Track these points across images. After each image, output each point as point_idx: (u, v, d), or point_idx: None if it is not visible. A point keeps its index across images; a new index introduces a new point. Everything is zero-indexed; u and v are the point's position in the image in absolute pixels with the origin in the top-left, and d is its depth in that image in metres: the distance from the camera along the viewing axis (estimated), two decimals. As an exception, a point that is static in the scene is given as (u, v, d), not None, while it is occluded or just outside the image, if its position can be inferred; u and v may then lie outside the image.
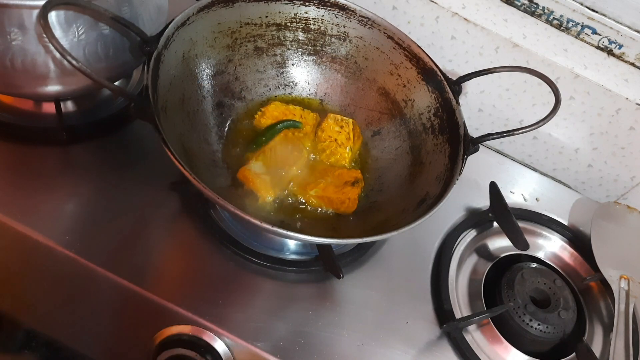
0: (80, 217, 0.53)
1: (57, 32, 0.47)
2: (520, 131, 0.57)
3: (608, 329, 0.64)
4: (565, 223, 0.72)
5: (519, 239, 0.62)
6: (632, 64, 0.72)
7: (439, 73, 0.60)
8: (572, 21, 0.71)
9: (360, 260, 0.60)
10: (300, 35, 0.65)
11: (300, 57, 0.66)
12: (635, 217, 0.75)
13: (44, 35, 0.45)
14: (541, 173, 0.81)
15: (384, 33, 0.63)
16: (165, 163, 0.45)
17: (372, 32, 0.64)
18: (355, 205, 0.58)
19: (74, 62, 0.44)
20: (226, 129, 0.62)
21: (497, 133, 0.58)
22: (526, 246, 0.61)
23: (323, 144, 0.62)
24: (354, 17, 0.63)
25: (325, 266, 0.56)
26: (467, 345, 0.56)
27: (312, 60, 0.66)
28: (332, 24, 0.64)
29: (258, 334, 0.51)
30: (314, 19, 0.64)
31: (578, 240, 0.71)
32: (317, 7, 0.63)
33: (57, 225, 0.52)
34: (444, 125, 0.59)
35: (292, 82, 0.67)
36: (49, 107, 0.58)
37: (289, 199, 0.58)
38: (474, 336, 0.58)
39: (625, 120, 0.72)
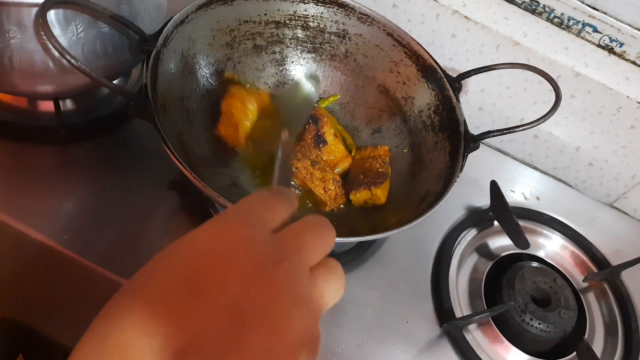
0: (79, 216, 0.53)
1: (56, 31, 0.47)
2: (521, 128, 0.57)
3: (609, 328, 0.64)
4: (566, 222, 0.72)
5: (519, 238, 0.61)
6: (633, 62, 0.72)
7: (438, 70, 0.60)
8: (573, 19, 0.71)
9: (360, 259, 0.60)
10: (300, 33, 0.65)
11: (299, 55, 0.66)
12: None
13: (43, 34, 0.45)
14: (542, 172, 0.81)
15: (384, 30, 0.63)
16: (164, 161, 0.44)
17: (372, 30, 0.63)
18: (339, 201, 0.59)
19: (72, 60, 0.44)
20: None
21: (497, 130, 0.57)
22: (527, 245, 0.61)
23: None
24: (353, 14, 0.63)
25: (325, 265, 0.56)
26: (468, 344, 0.56)
27: (312, 57, 0.66)
28: (332, 21, 0.64)
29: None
30: (313, 16, 0.64)
31: (579, 239, 0.71)
32: (316, 5, 0.63)
33: (55, 224, 0.52)
34: (444, 122, 0.59)
35: (291, 79, 0.67)
36: (48, 106, 0.58)
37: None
38: (475, 335, 0.58)
39: (626, 119, 0.72)
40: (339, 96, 0.67)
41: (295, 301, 0.23)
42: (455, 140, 0.57)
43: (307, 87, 0.58)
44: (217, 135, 0.58)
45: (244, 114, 0.56)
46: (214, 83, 0.60)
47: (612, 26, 0.70)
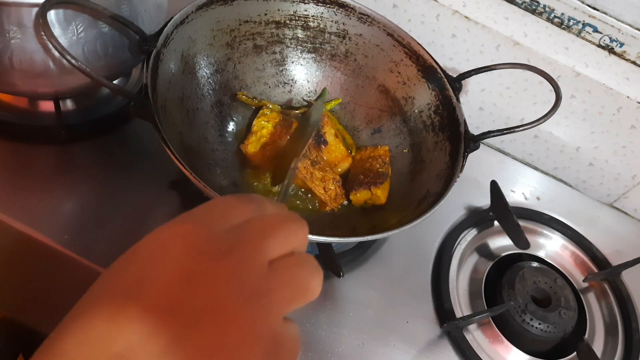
0: (79, 216, 0.53)
1: (56, 31, 0.47)
2: (521, 128, 0.57)
3: (609, 328, 0.64)
4: (566, 222, 0.72)
5: (519, 238, 0.61)
6: (633, 62, 0.72)
7: (439, 70, 0.60)
8: (573, 19, 0.71)
9: (360, 259, 0.60)
10: (300, 33, 0.65)
11: (299, 55, 0.66)
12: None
13: (43, 34, 0.45)
14: (542, 172, 0.81)
15: (384, 30, 0.63)
16: (164, 162, 0.45)
17: (372, 30, 0.63)
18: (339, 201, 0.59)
19: (72, 60, 0.44)
20: (226, 127, 0.61)
21: (497, 130, 0.57)
22: (527, 245, 0.61)
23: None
24: (353, 14, 0.63)
25: (325, 265, 0.56)
26: (468, 344, 0.56)
27: (312, 57, 0.66)
28: (332, 21, 0.64)
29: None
30: (313, 16, 0.64)
31: (579, 239, 0.71)
32: (317, 5, 0.63)
33: (55, 224, 0.52)
34: (444, 122, 0.59)
35: (292, 79, 0.67)
36: (48, 106, 0.58)
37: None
38: (475, 335, 0.58)
39: (627, 119, 0.72)
40: (341, 99, 0.67)
41: (243, 294, 0.22)
42: (455, 140, 0.57)
43: (317, 110, 0.61)
44: (243, 151, 0.59)
45: (274, 136, 0.58)
46: (214, 83, 0.60)
47: (612, 26, 0.70)
